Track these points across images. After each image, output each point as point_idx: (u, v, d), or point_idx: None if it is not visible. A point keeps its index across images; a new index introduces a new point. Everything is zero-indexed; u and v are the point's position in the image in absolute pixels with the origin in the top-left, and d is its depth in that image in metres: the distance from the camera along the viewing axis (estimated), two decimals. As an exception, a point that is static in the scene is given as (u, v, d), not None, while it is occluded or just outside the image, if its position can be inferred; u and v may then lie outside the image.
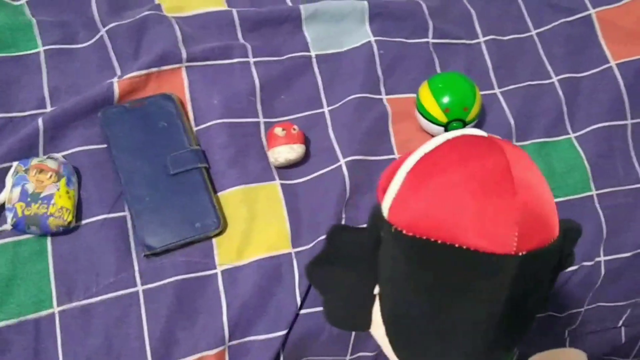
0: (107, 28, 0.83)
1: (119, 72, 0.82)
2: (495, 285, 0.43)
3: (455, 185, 0.43)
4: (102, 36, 0.83)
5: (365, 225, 0.49)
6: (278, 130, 0.79)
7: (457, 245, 0.42)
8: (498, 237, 0.42)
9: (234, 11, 0.88)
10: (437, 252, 0.43)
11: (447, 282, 0.44)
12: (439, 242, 0.43)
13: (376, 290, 0.48)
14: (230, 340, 0.73)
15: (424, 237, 0.43)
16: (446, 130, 0.83)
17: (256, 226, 0.77)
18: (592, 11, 0.94)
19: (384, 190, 0.48)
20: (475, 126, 0.86)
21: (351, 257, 0.48)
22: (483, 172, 0.43)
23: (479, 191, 0.42)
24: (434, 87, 0.82)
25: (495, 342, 0.47)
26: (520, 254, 0.42)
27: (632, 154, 0.88)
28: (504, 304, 0.44)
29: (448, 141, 0.46)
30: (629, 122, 0.89)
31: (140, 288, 0.73)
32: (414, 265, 0.45)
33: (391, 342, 0.49)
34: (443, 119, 0.81)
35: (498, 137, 0.46)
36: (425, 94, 0.83)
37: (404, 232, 0.44)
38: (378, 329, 0.49)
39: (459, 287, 0.44)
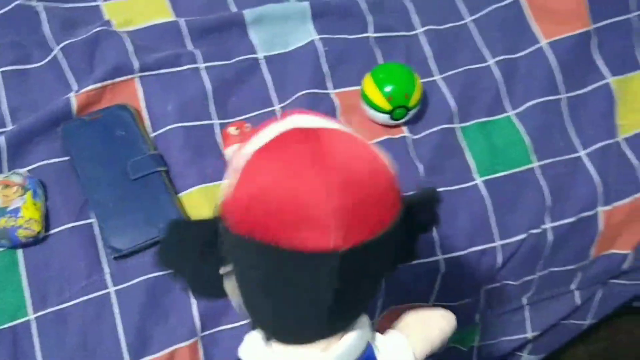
0: (60, 46, 0.87)
1: (75, 87, 0.85)
2: (321, 280, 0.43)
3: (273, 184, 0.42)
4: (56, 54, 0.87)
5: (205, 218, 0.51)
6: (231, 130, 0.83)
7: (276, 245, 0.41)
8: (317, 234, 0.41)
9: (181, 21, 0.92)
10: (260, 250, 0.43)
11: (274, 278, 0.44)
12: (261, 241, 0.42)
13: (222, 270, 0.49)
14: (202, 331, 0.77)
15: (249, 236, 0.43)
16: (392, 117, 0.87)
17: (218, 222, 0.81)
18: (521, -5, 1.00)
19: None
20: (419, 111, 0.92)
21: (193, 246, 0.49)
22: (298, 169, 0.42)
23: (295, 188, 0.41)
24: (377, 77, 0.87)
25: (335, 320, 0.48)
26: (341, 249, 0.41)
27: (568, 125, 0.94)
28: (333, 293, 0.44)
29: (276, 137, 0.44)
30: (562, 96, 0.95)
31: (111, 289, 0.77)
32: (242, 260, 0.46)
33: (246, 311, 0.51)
34: (387, 106, 0.86)
35: (335, 124, 0.46)
36: (369, 85, 0.88)
37: (232, 229, 0.44)
38: (235, 298, 0.50)
39: (285, 281, 0.44)
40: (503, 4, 1.00)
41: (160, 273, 0.78)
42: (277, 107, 0.90)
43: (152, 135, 0.85)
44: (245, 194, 0.43)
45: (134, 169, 0.81)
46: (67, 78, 0.86)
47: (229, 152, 0.83)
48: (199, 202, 0.82)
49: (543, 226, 0.89)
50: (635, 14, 1.00)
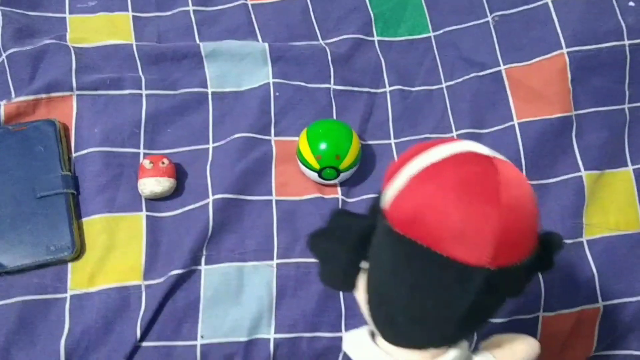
0: (7, 53, 0.87)
1: (13, 97, 0.85)
2: (464, 289, 0.48)
3: (445, 197, 0.47)
4: (2, 61, 0.87)
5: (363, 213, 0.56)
6: (146, 163, 0.81)
7: (435, 251, 0.47)
8: (474, 250, 0.47)
9: (134, 45, 0.90)
10: (418, 252, 0.48)
11: (422, 278, 0.49)
12: (422, 244, 0.48)
13: (363, 264, 0.54)
14: (66, 364, 0.74)
15: (411, 238, 0.48)
16: (320, 176, 0.82)
17: (112, 255, 0.79)
18: (502, 67, 0.92)
19: (387, 182, 0.53)
20: (362, 173, 0.86)
21: (346, 235, 0.54)
22: (472, 189, 0.48)
23: (465, 205, 0.47)
24: (312, 134, 0.83)
25: (458, 330, 0.53)
26: (491, 268, 0.47)
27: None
28: (468, 305, 0.49)
29: (452, 156, 0.50)
30: (523, 182, 0.86)
31: (-16, 304, 0.76)
32: (397, 257, 0.50)
33: (369, 308, 0.55)
34: (316, 165, 0.81)
35: (501, 157, 0.50)
36: (303, 139, 0.83)
37: (395, 228, 0.49)
38: (361, 294, 0.55)
39: (432, 284, 0.49)
40: (483, 73, 0.93)
41: (40, 296, 0.76)
42: (209, 146, 0.87)
43: (74, 155, 0.84)
44: (415, 202, 0.49)
45: (41, 187, 0.80)
46: (9, 86, 0.86)
47: (140, 184, 0.81)
48: (99, 230, 0.80)
49: None
50: (633, 105, 0.90)
